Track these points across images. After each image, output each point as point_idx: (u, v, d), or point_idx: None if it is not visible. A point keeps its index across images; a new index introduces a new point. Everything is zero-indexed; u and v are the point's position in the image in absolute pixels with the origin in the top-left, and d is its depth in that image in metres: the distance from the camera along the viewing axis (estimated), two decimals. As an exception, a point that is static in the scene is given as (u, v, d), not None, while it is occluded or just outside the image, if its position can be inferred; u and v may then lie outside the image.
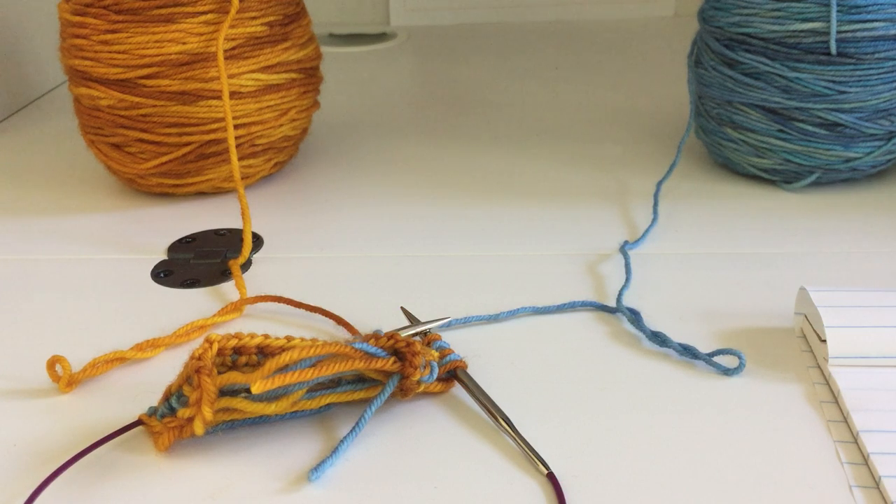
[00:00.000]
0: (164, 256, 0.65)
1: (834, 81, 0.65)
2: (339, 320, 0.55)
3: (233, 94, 0.69)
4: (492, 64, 1.11)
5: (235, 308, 0.57)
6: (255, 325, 0.55)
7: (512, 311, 0.55)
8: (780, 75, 0.66)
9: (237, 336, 0.44)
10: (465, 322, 0.54)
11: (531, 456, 0.43)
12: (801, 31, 0.65)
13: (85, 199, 0.75)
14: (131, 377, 0.51)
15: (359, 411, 0.45)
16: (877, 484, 0.41)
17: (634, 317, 0.53)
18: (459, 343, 0.52)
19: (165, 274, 0.63)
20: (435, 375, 0.47)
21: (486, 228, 0.67)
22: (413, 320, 0.54)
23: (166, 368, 0.50)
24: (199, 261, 0.64)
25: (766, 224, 0.66)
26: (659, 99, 0.94)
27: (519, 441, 0.44)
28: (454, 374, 0.48)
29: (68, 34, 0.70)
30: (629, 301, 0.56)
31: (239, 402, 0.42)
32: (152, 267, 0.63)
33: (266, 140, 0.73)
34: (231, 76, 0.69)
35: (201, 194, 0.75)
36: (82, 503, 0.41)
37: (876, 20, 0.64)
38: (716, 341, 0.52)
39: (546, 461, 0.42)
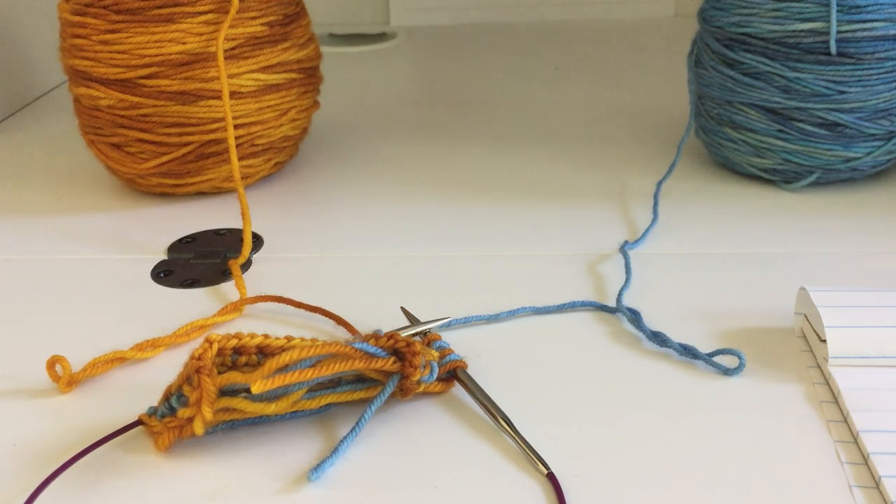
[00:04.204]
0: (164, 256, 0.65)
1: (834, 81, 0.65)
2: (339, 320, 0.55)
3: (233, 94, 0.69)
4: (492, 64, 1.11)
5: (235, 308, 0.57)
6: (255, 325, 0.55)
7: (512, 311, 0.55)
8: (780, 75, 0.66)
9: (237, 336, 0.44)
10: (465, 322, 0.54)
11: (531, 456, 0.43)
12: (801, 31, 0.65)
13: (85, 199, 0.75)
14: (131, 377, 0.51)
15: (359, 411, 0.45)
16: (877, 484, 0.40)
17: (634, 317, 0.53)
18: (459, 343, 0.52)
19: (165, 274, 0.63)
20: (435, 375, 0.47)
21: (486, 228, 0.67)
22: (413, 320, 0.54)
23: (166, 368, 0.50)
24: (199, 261, 0.64)
25: (766, 224, 0.66)
26: (659, 99, 0.94)
27: (519, 441, 0.44)
28: (454, 374, 0.48)
29: (68, 34, 0.70)
30: (629, 301, 0.56)
31: (239, 402, 0.42)
32: (152, 267, 0.63)
33: (266, 140, 0.73)
34: (231, 76, 0.69)
35: (201, 194, 0.75)
36: (82, 503, 0.41)
37: (876, 20, 0.64)
38: (716, 341, 0.52)
39: (546, 461, 0.42)
